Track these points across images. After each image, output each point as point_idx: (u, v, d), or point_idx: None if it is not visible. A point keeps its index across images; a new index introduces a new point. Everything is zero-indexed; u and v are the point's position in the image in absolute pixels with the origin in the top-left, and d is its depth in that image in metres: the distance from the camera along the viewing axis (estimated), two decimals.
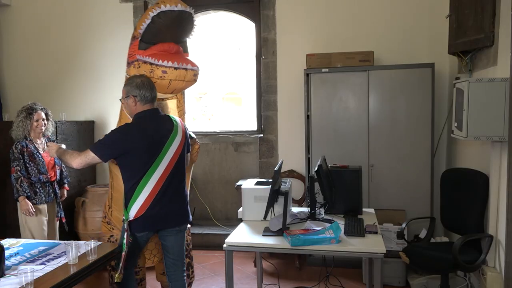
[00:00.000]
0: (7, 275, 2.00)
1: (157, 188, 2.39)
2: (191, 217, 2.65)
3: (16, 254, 2.31)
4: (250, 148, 4.72)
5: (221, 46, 5.07)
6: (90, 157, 2.38)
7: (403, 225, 3.19)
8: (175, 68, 2.51)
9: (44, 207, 3.33)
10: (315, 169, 2.78)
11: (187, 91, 4.94)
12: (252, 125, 4.85)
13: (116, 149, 2.36)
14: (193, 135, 2.90)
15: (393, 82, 3.81)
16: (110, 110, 4.76)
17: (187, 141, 2.63)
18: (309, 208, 2.95)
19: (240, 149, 4.73)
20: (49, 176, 3.36)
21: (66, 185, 3.59)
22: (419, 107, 3.75)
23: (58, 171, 3.46)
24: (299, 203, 4.28)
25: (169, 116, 2.55)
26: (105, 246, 2.43)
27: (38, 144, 3.35)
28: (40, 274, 2.01)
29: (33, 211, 3.21)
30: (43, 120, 3.35)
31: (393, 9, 4.19)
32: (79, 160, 2.40)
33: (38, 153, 3.30)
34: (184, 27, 2.60)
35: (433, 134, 3.75)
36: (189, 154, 2.76)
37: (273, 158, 4.55)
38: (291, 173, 4.36)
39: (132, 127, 2.40)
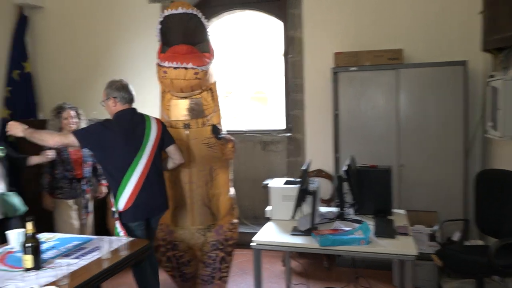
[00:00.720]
0: (43, 268, 2.07)
1: (141, 180, 2.63)
2: (168, 205, 2.91)
3: (52, 248, 2.38)
4: (278, 147, 4.71)
5: (247, 45, 5.09)
6: (70, 139, 2.60)
7: (436, 227, 3.12)
8: (174, 68, 2.70)
9: (71, 202, 3.43)
10: (344, 168, 2.76)
11: None
12: (279, 124, 4.84)
13: (95, 140, 2.61)
14: (225, 135, 2.93)
15: (423, 81, 3.73)
16: (138, 109, 4.83)
17: (164, 137, 2.81)
18: (337, 208, 2.93)
19: (268, 148, 4.73)
20: (74, 174, 3.45)
21: (103, 181, 3.65)
22: (451, 106, 3.65)
23: (87, 169, 3.53)
24: (327, 203, 4.25)
25: (144, 115, 2.80)
26: (137, 242, 2.48)
27: None
28: (75, 268, 2.07)
29: (52, 206, 3.37)
30: (72, 118, 3.44)
31: (423, 5, 4.10)
32: (58, 139, 2.63)
33: (65, 151, 3.40)
34: (189, 28, 2.78)
35: (466, 134, 3.65)
36: (171, 147, 2.85)
37: (300, 157, 4.53)
38: (319, 173, 4.33)
39: (112, 122, 2.66)
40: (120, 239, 2.34)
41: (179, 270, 3.15)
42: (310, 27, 4.44)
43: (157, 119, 2.86)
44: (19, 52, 4.83)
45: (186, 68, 2.69)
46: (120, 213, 2.64)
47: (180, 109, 2.95)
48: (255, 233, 2.62)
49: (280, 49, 4.78)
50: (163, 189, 2.83)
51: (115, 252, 2.26)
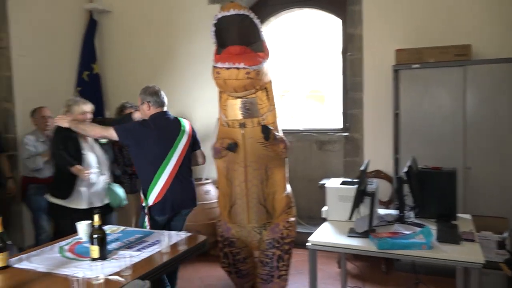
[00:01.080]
0: (108, 258, 2.18)
1: (171, 178, 2.86)
2: (196, 203, 3.11)
3: (116, 240, 2.51)
4: (335, 147, 4.64)
5: (304, 43, 5.05)
6: (109, 133, 2.86)
7: (505, 234, 2.92)
8: (227, 68, 2.75)
9: (130, 197, 3.60)
10: (405, 170, 2.65)
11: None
12: (336, 124, 4.76)
13: (132, 136, 2.84)
14: (277, 135, 2.92)
15: (493, 78, 3.49)
16: (197, 109, 4.97)
17: (194, 140, 3.08)
18: (397, 211, 2.82)
19: (324, 148, 4.67)
20: (134, 169, 3.58)
21: None
22: None
23: None
24: (386, 205, 4.12)
25: (177, 118, 3.03)
26: (195, 237, 2.55)
27: None
28: (137, 259, 2.16)
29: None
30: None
31: None
32: (99, 131, 2.92)
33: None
34: (241, 29, 2.81)
35: None
36: (198, 151, 3.16)
37: (358, 157, 4.42)
38: (378, 174, 4.21)
39: (149, 122, 2.90)
40: (179, 234, 2.41)
41: (235, 266, 3.19)
42: (370, 24, 4.32)
43: (189, 122, 3.11)
44: (88, 54, 5.14)
45: (237, 68, 2.73)
46: (149, 208, 2.85)
47: (236, 108, 2.98)
48: (310, 233, 2.59)
49: (338, 47, 4.69)
50: (191, 187, 3.02)
51: (174, 246, 2.34)
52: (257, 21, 2.87)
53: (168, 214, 2.91)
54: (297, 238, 4.55)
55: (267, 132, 2.83)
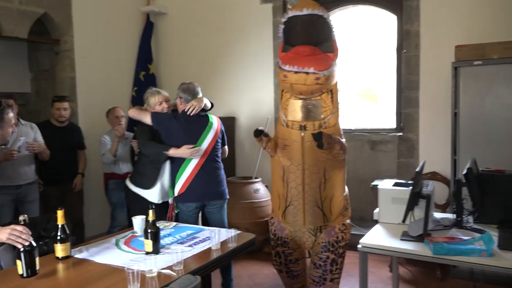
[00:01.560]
0: (161, 253, 2.26)
1: (196, 170, 3.07)
2: (227, 196, 3.28)
3: (169, 235, 2.59)
4: (388, 147, 4.50)
5: (357, 41, 4.94)
6: (145, 115, 3.14)
7: None
8: (295, 72, 2.56)
9: None
10: (464, 172, 2.53)
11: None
12: (390, 123, 4.62)
13: (163, 124, 3.12)
14: (335, 137, 2.79)
15: None
16: (249, 107, 5.02)
17: (222, 136, 3.28)
18: (454, 215, 2.69)
19: (377, 148, 4.55)
20: None
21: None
22: None
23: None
24: (442, 208, 3.94)
25: (207, 115, 3.22)
26: (245, 235, 2.57)
27: None
28: (188, 255, 2.22)
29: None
30: None
31: None
32: (136, 112, 3.22)
33: None
34: (313, 29, 2.62)
35: None
36: (225, 147, 3.34)
37: (413, 158, 4.27)
38: (434, 175, 4.04)
39: (179, 115, 3.16)
40: (229, 231, 2.45)
41: (287, 266, 3.18)
42: (429, 19, 4.15)
43: (218, 119, 3.29)
44: (145, 55, 5.34)
45: (307, 73, 2.55)
46: (175, 198, 3.11)
47: (297, 109, 2.83)
48: (361, 235, 2.54)
49: (392, 44, 4.55)
50: (218, 180, 3.21)
51: (224, 243, 2.38)
52: (330, 20, 2.69)
53: (192, 203, 3.10)
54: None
55: (319, 139, 2.67)
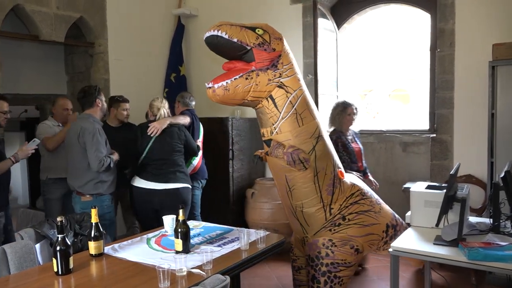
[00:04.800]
0: (191, 252, 2.28)
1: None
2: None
3: (198, 235, 2.62)
4: (420, 149, 4.39)
5: (388, 41, 4.85)
6: (187, 119, 3.78)
7: None
8: (206, 87, 2.63)
9: None
10: (501, 175, 2.43)
11: (351, 87, 4.87)
12: (422, 124, 4.51)
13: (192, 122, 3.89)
14: (287, 148, 2.73)
15: None
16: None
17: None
18: (491, 219, 2.60)
19: (409, 150, 4.44)
20: (358, 165, 3.78)
21: (368, 175, 3.90)
22: None
23: (364, 163, 3.86)
24: (478, 212, 3.81)
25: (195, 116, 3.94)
26: (273, 236, 2.57)
27: (347, 136, 3.83)
28: (217, 255, 2.24)
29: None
30: (355, 114, 3.83)
31: None
32: (183, 117, 3.76)
33: (349, 144, 3.77)
34: (216, 49, 2.65)
35: None
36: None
37: (447, 160, 4.15)
38: (469, 178, 3.91)
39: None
40: (258, 232, 2.45)
41: (292, 273, 3.17)
42: (464, 17, 4.02)
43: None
44: (176, 56, 5.42)
45: (209, 88, 2.62)
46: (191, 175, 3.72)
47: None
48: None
49: (425, 43, 4.44)
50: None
51: (252, 244, 2.38)
52: (234, 33, 2.56)
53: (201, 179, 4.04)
54: None
55: (254, 159, 2.94)
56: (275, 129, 2.73)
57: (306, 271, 2.95)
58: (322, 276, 2.80)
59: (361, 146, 3.90)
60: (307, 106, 2.76)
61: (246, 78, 2.60)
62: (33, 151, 3.25)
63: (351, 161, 3.71)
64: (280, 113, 2.69)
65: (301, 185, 2.78)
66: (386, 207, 3.13)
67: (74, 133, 3.10)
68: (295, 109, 2.70)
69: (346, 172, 3.49)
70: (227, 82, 2.58)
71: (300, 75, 2.85)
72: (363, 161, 3.89)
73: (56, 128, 3.72)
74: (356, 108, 3.85)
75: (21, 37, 4.23)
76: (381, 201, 3.15)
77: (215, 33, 2.55)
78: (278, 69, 2.67)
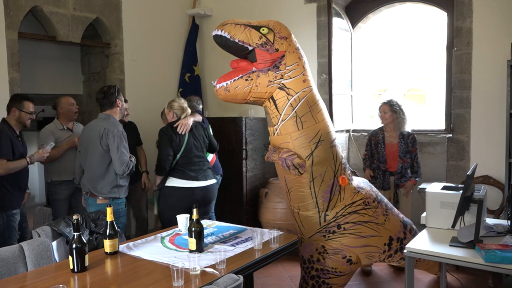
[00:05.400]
0: (204, 251, 2.29)
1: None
2: None
3: (212, 234, 2.63)
4: (436, 149, 4.34)
5: (404, 40, 4.79)
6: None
7: None
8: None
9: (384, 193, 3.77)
10: None
11: (365, 87, 4.82)
12: (438, 124, 4.45)
13: None
14: (284, 154, 2.84)
15: None
16: None
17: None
18: (509, 221, 2.55)
19: (424, 150, 4.39)
20: (387, 166, 3.80)
21: (412, 179, 3.84)
22: None
23: (400, 165, 3.82)
24: (495, 214, 3.75)
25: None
26: (287, 236, 2.56)
27: (386, 135, 3.86)
28: (231, 254, 2.24)
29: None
30: (385, 113, 3.84)
31: None
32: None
33: (382, 144, 3.84)
34: (223, 47, 2.71)
35: None
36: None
37: (463, 161, 4.08)
38: (486, 179, 3.84)
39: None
40: (271, 232, 2.45)
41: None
42: (482, 15, 3.95)
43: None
44: (190, 57, 5.44)
45: (214, 87, 2.72)
46: None
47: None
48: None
49: (442, 42, 4.37)
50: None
51: (266, 244, 2.38)
52: (236, 33, 2.63)
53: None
54: None
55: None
56: (276, 130, 2.74)
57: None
58: (310, 279, 2.82)
59: (403, 147, 3.82)
60: (310, 109, 2.71)
61: (246, 80, 2.62)
62: (48, 154, 3.31)
63: (379, 161, 3.81)
64: (280, 115, 2.68)
65: (297, 189, 2.79)
66: (397, 218, 2.99)
67: (96, 134, 3.01)
68: (295, 112, 2.67)
69: (370, 171, 3.57)
70: (227, 83, 2.63)
71: (310, 75, 2.80)
72: (402, 164, 3.82)
73: (59, 132, 3.66)
74: (392, 106, 3.86)
75: (39, 38, 4.30)
76: (394, 211, 3.03)
77: (219, 32, 2.62)
78: (280, 70, 2.64)
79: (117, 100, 3.13)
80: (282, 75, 2.64)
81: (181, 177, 3.28)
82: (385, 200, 3.05)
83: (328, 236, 2.81)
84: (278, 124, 2.71)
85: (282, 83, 2.65)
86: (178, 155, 3.31)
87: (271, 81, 2.64)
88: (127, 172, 3.05)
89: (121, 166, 2.99)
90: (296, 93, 2.67)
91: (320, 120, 2.74)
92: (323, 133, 2.74)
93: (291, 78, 2.66)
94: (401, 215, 3.03)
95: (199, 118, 3.69)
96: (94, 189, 3.07)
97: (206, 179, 3.39)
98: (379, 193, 3.07)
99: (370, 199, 2.90)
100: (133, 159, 3.17)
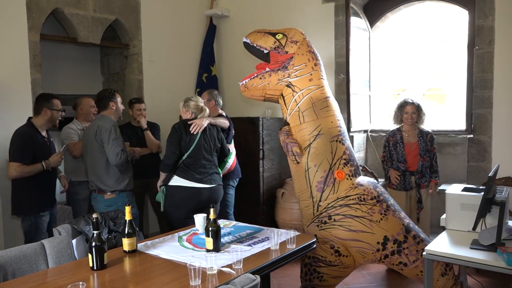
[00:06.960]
0: (221, 251, 2.30)
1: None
2: None
3: (229, 234, 2.63)
4: (456, 150, 4.26)
5: (423, 39, 4.72)
6: (226, 122, 3.81)
7: None
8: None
9: (402, 193, 3.77)
10: None
11: (384, 86, 4.78)
12: (458, 124, 4.37)
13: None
14: (290, 145, 3.08)
15: None
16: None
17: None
18: None
19: (444, 151, 4.32)
20: (407, 166, 3.78)
21: (433, 178, 3.81)
22: None
23: (420, 163, 3.78)
24: None
25: None
26: (304, 237, 2.55)
27: (404, 134, 3.85)
28: (247, 254, 2.24)
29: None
30: (413, 113, 3.81)
31: None
32: (222, 119, 3.76)
33: (401, 143, 3.82)
34: (250, 52, 3.27)
35: None
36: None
37: (484, 162, 4.00)
38: (509, 181, 3.75)
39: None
40: (288, 232, 2.44)
41: None
42: (504, 13, 3.87)
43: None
44: (208, 57, 5.47)
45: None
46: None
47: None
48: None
49: (462, 41, 4.29)
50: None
51: (283, 244, 2.37)
52: (256, 39, 3.15)
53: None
54: None
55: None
56: (286, 122, 3.16)
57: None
58: (304, 267, 3.05)
59: (422, 145, 3.78)
60: (313, 105, 3.01)
61: (260, 78, 3.10)
62: (63, 157, 3.41)
63: (398, 161, 3.80)
64: (287, 109, 3.09)
65: (297, 177, 3.07)
66: (398, 220, 2.89)
67: (92, 132, 3.24)
68: (298, 107, 3.03)
69: (396, 172, 3.78)
70: (246, 81, 3.14)
71: (323, 76, 3.13)
72: (422, 163, 3.77)
73: (80, 132, 3.76)
74: (419, 106, 3.85)
75: (60, 39, 4.38)
76: (398, 214, 2.92)
77: (244, 39, 3.19)
78: (288, 70, 3.05)
79: (111, 103, 3.34)
80: (289, 74, 3.05)
81: (185, 177, 3.26)
82: (391, 202, 2.98)
83: (321, 226, 2.96)
84: (287, 117, 3.11)
85: (289, 81, 3.04)
86: (186, 155, 3.27)
87: (279, 80, 3.06)
88: (120, 162, 3.21)
89: (113, 156, 3.18)
90: (301, 90, 3.03)
91: (322, 116, 3.01)
92: (323, 127, 2.99)
93: (297, 77, 3.04)
94: (408, 220, 2.94)
95: (223, 124, 3.67)
96: (101, 184, 3.25)
97: (211, 183, 3.31)
98: (387, 195, 3.03)
99: (368, 196, 2.91)
100: (137, 151, 3.70)
